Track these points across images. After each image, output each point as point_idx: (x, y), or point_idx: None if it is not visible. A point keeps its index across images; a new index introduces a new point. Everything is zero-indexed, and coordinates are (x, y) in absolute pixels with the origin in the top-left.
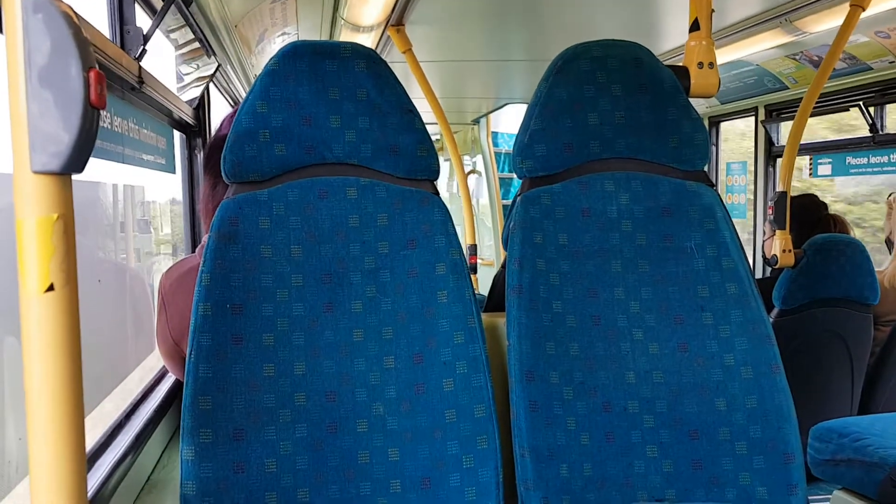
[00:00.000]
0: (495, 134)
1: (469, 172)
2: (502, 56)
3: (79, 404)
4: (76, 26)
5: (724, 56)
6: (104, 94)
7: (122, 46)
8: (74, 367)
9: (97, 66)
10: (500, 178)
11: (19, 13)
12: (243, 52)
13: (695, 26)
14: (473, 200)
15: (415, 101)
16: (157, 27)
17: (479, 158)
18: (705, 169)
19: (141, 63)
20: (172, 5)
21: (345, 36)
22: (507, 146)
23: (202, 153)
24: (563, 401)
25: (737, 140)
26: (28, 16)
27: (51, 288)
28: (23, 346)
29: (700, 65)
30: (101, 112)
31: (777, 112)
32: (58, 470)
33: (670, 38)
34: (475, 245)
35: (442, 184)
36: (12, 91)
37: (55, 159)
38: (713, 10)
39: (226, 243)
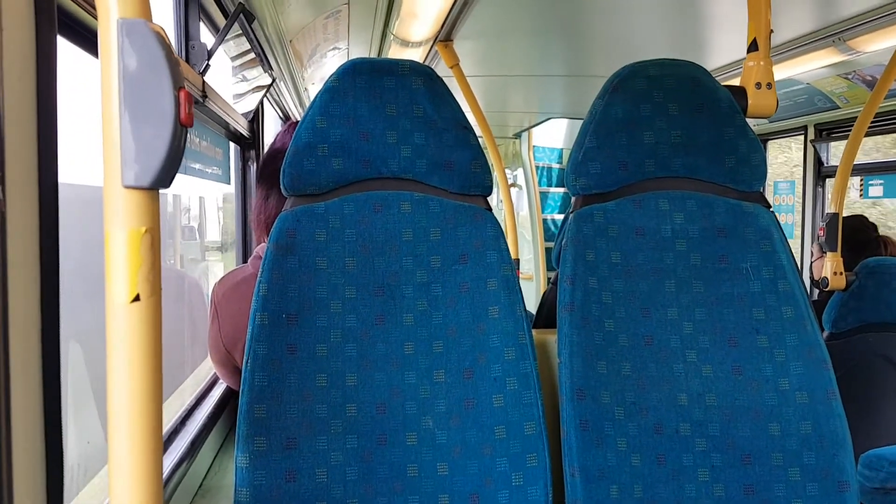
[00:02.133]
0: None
1: (510, 186)
2: (545, 71)
3: (158, 410)
4: (168, 47)
5: (775, 74)
6: (192, 113)
7: (188, 61)
8: (156, 374)
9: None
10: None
11: (114, 34)
12: (296, 65)
13: (753, 46)
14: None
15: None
16: (220, 43)
17: (519, 172)
18: (762, 190)
19: (204, 77)
20: (235, 21)
21: (394, 51)
22: (544, 160)
23: (255, 164)
24: (614, 420)
25: (773, 151)
26: (122, 37)
27: (136, 298)
28: (108, 354)
29: (758, 85)
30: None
31: (827, 132)
32: (137, 474)
33: (716, 54)
34: (517, 259)
35: None
36: (105, 109)
37: (146, 175)
38: (772, 30)
39: (283, 254)
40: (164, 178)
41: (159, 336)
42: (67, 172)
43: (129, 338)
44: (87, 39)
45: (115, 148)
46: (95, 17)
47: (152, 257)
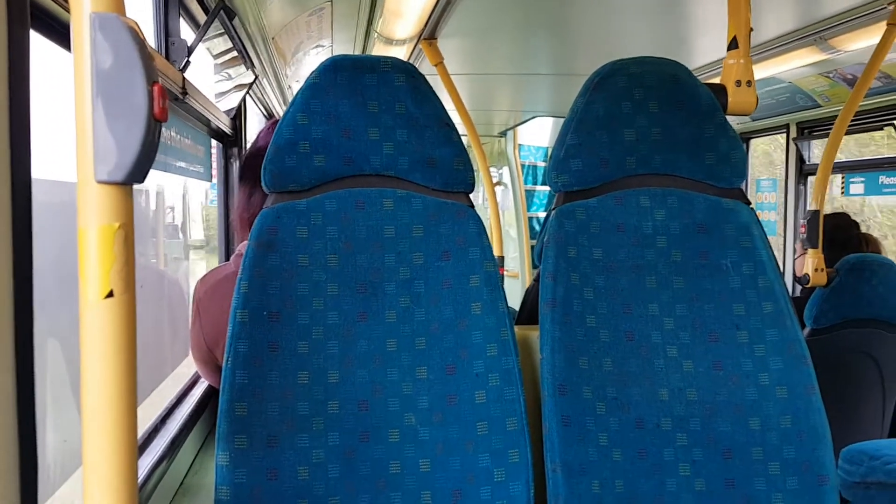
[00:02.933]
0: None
1: (495, 184)
2: (530, 70)
3: (132, 408)
4: (141, 41)
5: (756, 73)
6: (166, 108)
7: (167, 57)
8: (130, 371)
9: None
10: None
11: (87, 29)
12: (279, 63)
13: (733, 44)
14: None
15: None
16: (200, 40)
17: (505, 170)
18: (742, 187)
19: (185, 74)
20: (216, 18)
21: (378, 49)
22: (529, 158)
23: (237, 162)
24: (596, 416)
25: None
26: (95, 31)
27: (110, 294)
28: (81, 351)
29: (738, 83)
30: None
31: (809, 130)
32: (111, 473)
33: (700, 53)
34: (502, 257)
35: None
36: (78, 103)
37: (119, 170)
38: (752, 28)
39: (264, 251)
40: (138, 173)
41: (134, 333)
42: (42, 168)
43: (102, 335)
44: (60, 34)
45: (88, 143)
46: (68, 11)
47: (126, 253)
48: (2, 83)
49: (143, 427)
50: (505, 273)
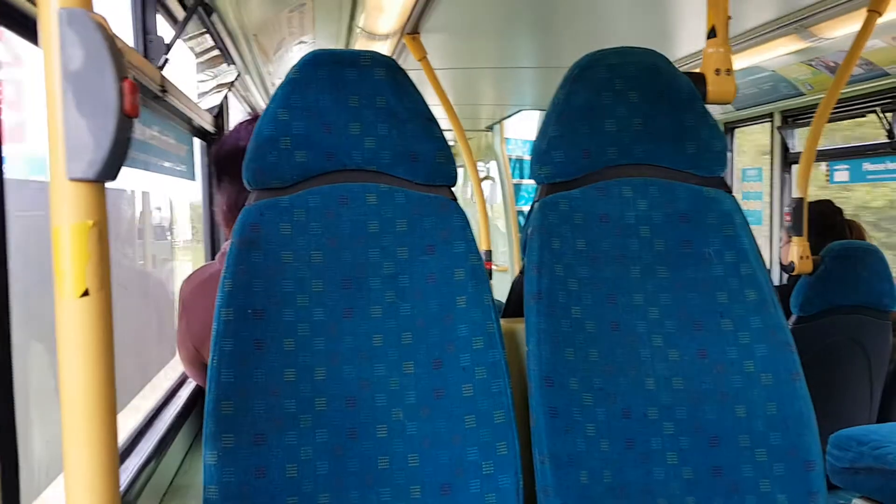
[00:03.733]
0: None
1: (483, 178)
2: (515, 63)
3: (112, 407)
4: (110, 37)
5: (739, 62)
6: (137, 104)
7: (145, 55)
8: (108, 370)
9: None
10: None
11: (55, 25)
12: (261, 59)
13: (712, 33)
14: (487, 206)
15: (430, 108)
16: (178, 36)
17: (492, 164)
18: (724, 175)
19: (163, 72)
20: (194, 14)
21: (361, 44)
22: (516, 151)
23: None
24: (583, 407)
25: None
26: (63, 27)
27: (86, 293)
28: (58, 350)
29: (717, 71)
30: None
31: (793, 118)
32: (91, 472)
33: (684, 44)
34: (490, 251)
35: (456, 190)
36: (49, 101)
37: (91, 167)
38: (730, 17)
39: (247, 249)
40: (110, 170)
41: (110, 331)
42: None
43: (79, 333)
44: (28, 29)
45: (60, 140)
46: (35, 6)
47: (101, 251)
48: None
49: (132, 426)
50: (494, 267)
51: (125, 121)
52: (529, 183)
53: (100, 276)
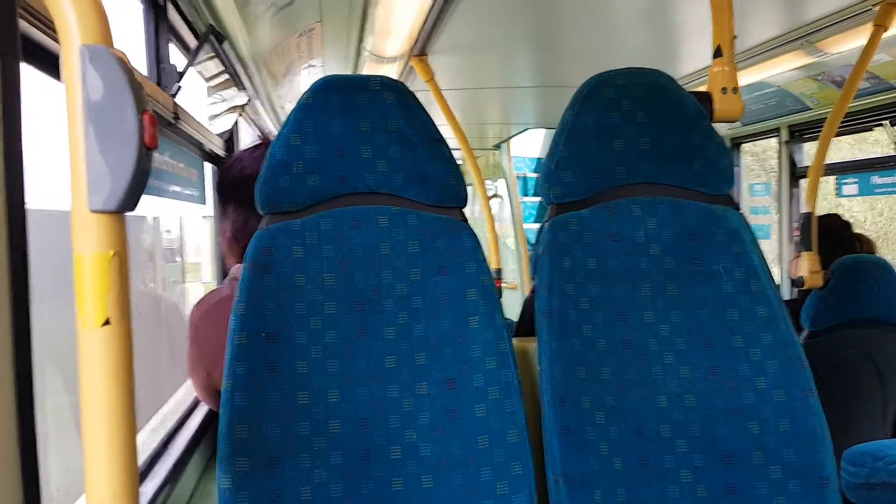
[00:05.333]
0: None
1: (492, 197)
2: (522, 83)
3: (132, 434)
4: (130, 72)
5: (745, 78)
6: (157, 136)
7: (159, 83)
8: (128, 396)
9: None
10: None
11: (77, 61)
12: (271, 84)
13: (718, 53)
14: (496, 224)
15: (438, 128)
16: (191, 64)
17: (500, 183)
18: (731, 192)
19: (175, 99)
20: (206, 43)
21: (369, 67)
22: (523, 169)
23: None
24: (596, 426)
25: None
26: (85, 64)
27: (107, 322)
28: (80, 378)
29: (724, 90)
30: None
31: (800, 133)
32: (113, 497)
33: (688, 62)
34: (499, 269)
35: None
36: (71, 134)
37: (112, 199)
38: (735, 36)
39: (260, 273)
40: (131, 200)
41: (131, 359)
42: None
43: (100, 362)
44: (51, 65)
45: (81, 172)
46: (59, 43)
47: (121, 280)
48: None
49: (147, 452)
50: (503, 285)
51: (145, 153)
52: (527, 200)
53: (121, 306)
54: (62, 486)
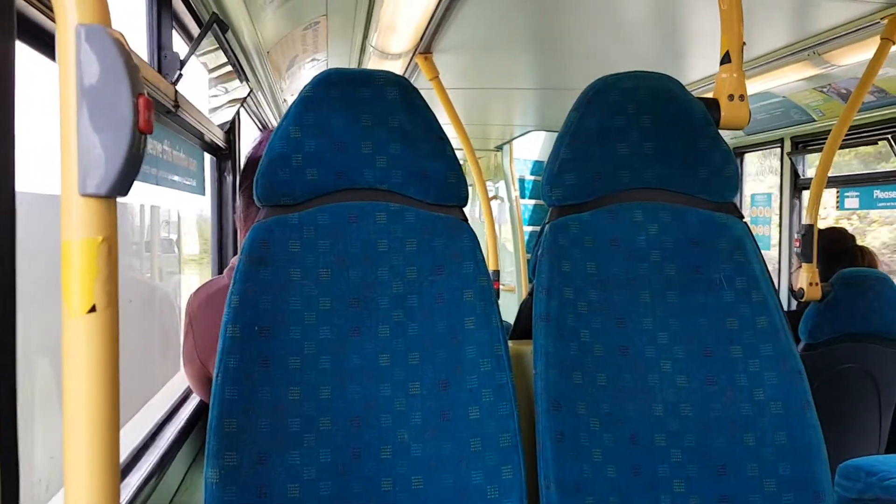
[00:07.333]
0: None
1: (492, 198)
2: (526, 84)
3: (115, 424)
4: (126, 53)
5: (750, 87)
6: (151, 120)
7: (160, 70)
8: (113, 386)
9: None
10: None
11: (72, 40)
12: (274, 76)
13: (726, 59)
14: (496, 226)
15: (441, 127)
16: (193, 53)
17: (501, 184)
18: (735, 201)
19: (177, 87)
20: (209, 32)
21: (373, 63)
22: (522, 171)
23: (231, 176)
24: (590, 432)
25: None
26: (80, 43)
27: (93, 309)
28: (63, 365)
29: (731, 97)
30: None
31: (803, 144)
32: (92, 489)
33: (692, 68)
34: (497, 271)
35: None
36: (63, 116)
37: (103, 183)
38: (744, 43)
39: (256, 265)
40: (123, 186)
41: (116, 347)
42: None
43: (85, 349)
44: (46, 44)
45: (73, 155)
46: (54, 22)
47: (109, 267)
48: None
49: (134, 443)
50: (501, 287)
51: (139, 137)
52: (524, 202)
53: (108, 293)
54: (44, 477)
